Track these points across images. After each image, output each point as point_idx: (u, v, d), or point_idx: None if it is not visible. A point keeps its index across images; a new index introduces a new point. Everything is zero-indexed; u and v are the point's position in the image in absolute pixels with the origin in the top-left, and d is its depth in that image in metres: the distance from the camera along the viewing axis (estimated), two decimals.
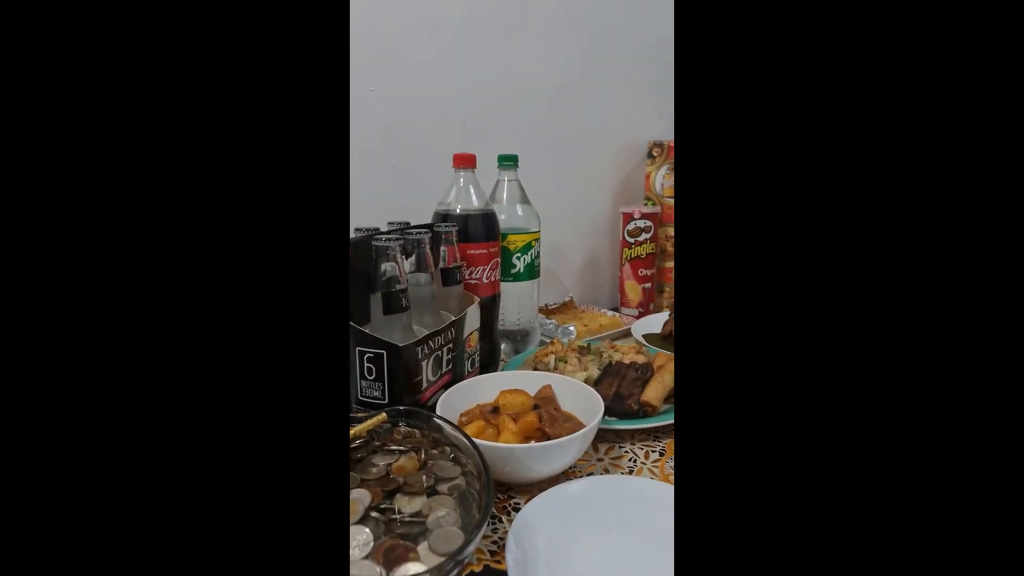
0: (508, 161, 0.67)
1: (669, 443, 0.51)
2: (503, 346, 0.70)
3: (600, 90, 0.91)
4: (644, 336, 0.76)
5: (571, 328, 0.77)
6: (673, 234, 0.90)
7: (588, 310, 0.89)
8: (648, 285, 0.87)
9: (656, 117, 0.98)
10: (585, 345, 0.65)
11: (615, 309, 0.91)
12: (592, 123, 0.92)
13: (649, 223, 0.84)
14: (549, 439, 0.42)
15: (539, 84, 0.85)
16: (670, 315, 0.75)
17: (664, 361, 0.60)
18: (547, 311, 0.85)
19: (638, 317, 0.86)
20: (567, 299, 0.88)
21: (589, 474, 0.46)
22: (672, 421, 0.52)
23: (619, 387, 0.56)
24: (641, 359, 0.61)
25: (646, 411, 0.53)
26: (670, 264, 0.91)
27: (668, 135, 1.00)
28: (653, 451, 0.50)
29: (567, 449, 0.40)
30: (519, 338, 0.71)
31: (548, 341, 0.67)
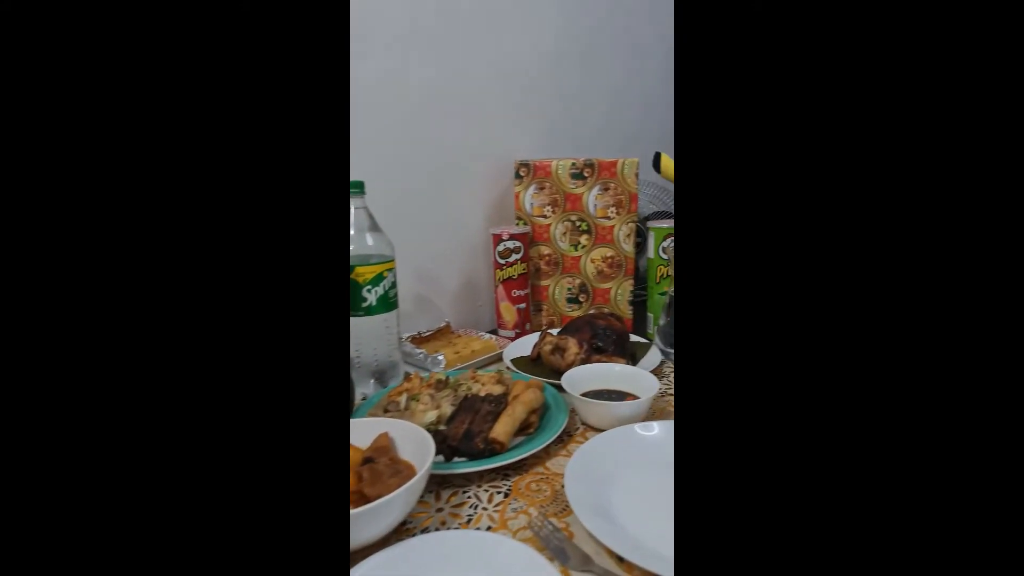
0: (353, 188, 0.63)
1: (517, 480, 0.49)
2: (371, 382, 0.66)
3: (466, 110, 0.90)
4: (514, 360, 0.74)
5: (440, 357, 0.74)
6: (546, 252, 0.90)
7: (465, 334, 0.86)
8: (523, 306, 0.86)
9: (522, 136, 0.98)
10: (443, 378, 0.62)
11: (494, 332, 0.89)
12: (460, 144, 0.90)
13: (518, 243, 0.84)
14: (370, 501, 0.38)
15: (396, 106, 0.82)
16: (540, 335, 0.74)
17: (520, 390, 0.58)
18: (420, 339, 0.82)
19: (514, 339, 0.85)
20: (442, 325, 0.85)
21: (424, 529, 0.42)
22: (522, 456, 0.50)
23: (471, 423, 0.53)
24: (498, 390, 0.58)
25: (494, 449, 0.50)
26: (545, 283, 0.91)
27: (534, 154, 1.00)
28: (498, 492, 0.47)
29: (383, 513, 0.37)
30: (379, 375, 0.67)
31: (410, 374, 0.63)
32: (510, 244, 0.83)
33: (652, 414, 0.61)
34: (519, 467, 0.51)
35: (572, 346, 0.70)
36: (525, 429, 0.56)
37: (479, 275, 0.96)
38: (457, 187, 0.91)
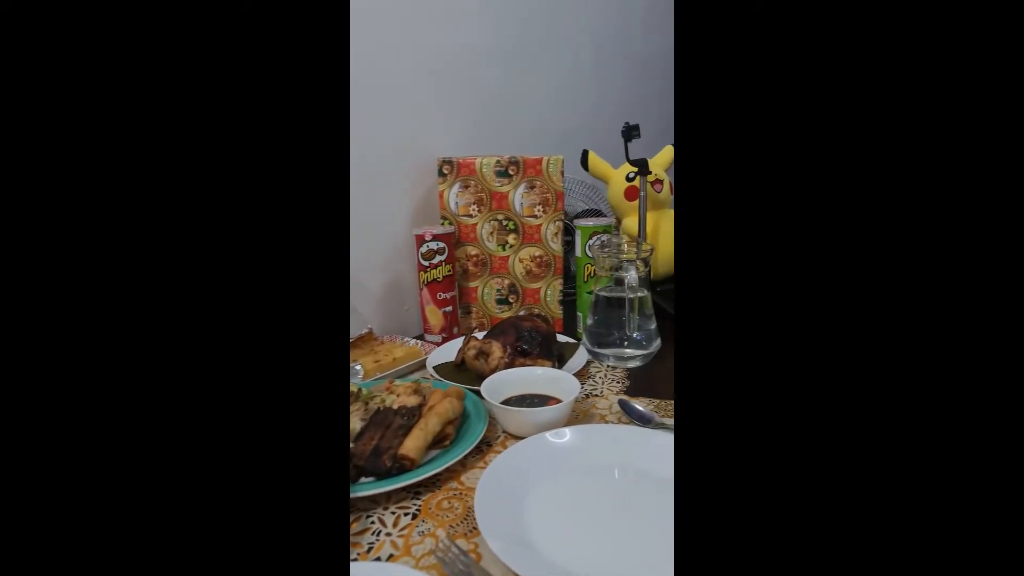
0: None
1: (428, 499, 0.46)
2: None
3: (387, 106, 0.86)
4: (437, 367, 0.71)
5: (358, 367, 0.70)
6: (473, 253, 0.87)
7: (389, 341, 0.82)
8: (449, 309, 0.83)
9: (444, 134, 0.95)
10: (355, 390, 0.58)
11: (421, 337, 0.85)
12: (381, 141, 0.85)
13: (442, 244, 0.80)
14: None
15: None
16: (465, 340, 0.72)
17: (437, 400, 0.55)
18: None
19: (441, 343, 0.82)
20: (364, 331, 0.80)
21: None
22: (433, 472, 0.47)
23: (380, 439, 0.50)
24: (413, 401, 0.55)
25: (404, 466, 0.47)
26: (474, 284, 0.88)
27: (457, 152, 0.97)
28: (407, 514, 0.44)
29: None
30: None
31: None
32: (434, 245, 0.80)
33: (575, 417, 0.60)
34: (432, 484, 0.48)
35: (496, 350, 0.68)
36: (441, 442, 0.53)
37: (404, 278, 0.92)
38: (379, 186, 0.87)
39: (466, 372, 0.70)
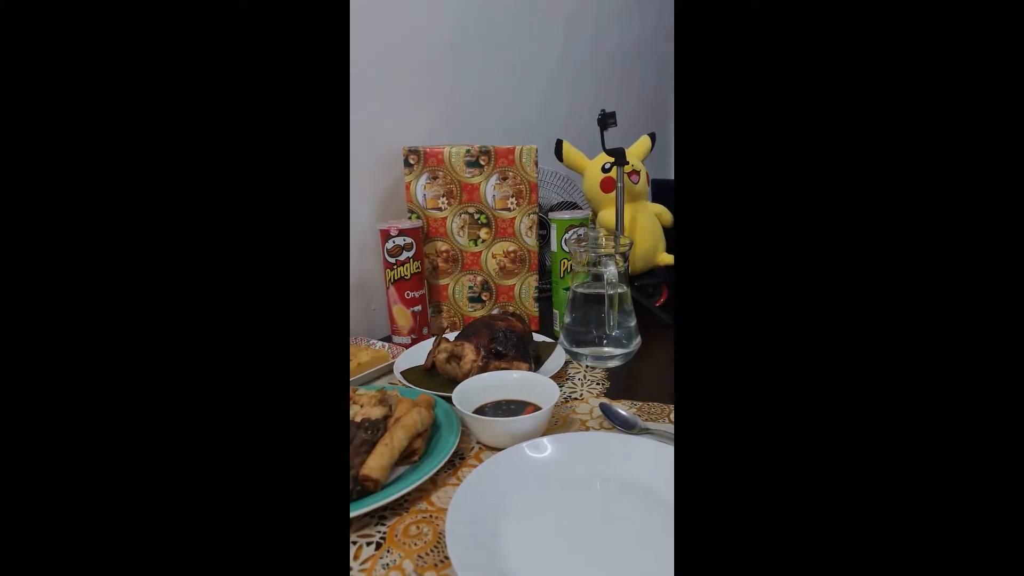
0: None
1: (395, 524, 0.41)
2: None
3: (351, 93, 0.80)
4: (405, 372, 0.66)
5: None
6: (443, 248, 0.82)
7: (354, 343, 0.77)
8: (418, 308, 0.78)
9: (409, 123, 0.90)
10: None
11: (388, 339, 0.80)
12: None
13: (409, 239, 0.75)
14: None
15: None
16: (435, 342, 0.67)
17: (404, 410, 0.50)
18: None
19: (409, 345, 0.77)
20: None
21: None
22: (399, 494, 0.42)
23: None
24: (377, 412, 0.50)
25: (366, 488, 0.42)
26: (444, 281, 0.83)
27: (424, 141, 0.92)
28: (369, 543, 0.40)
29: None
30: None
31: None
32: (400, 240, 0.75)
33: (554, 424, 0.56)
34: (399, 506, 0.44)
35: (469, 353, 0.63)
36: (409, 457, 0.48)
37: (371, 276, 0.86)
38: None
39: (437, 377, 0.66)
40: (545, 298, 0.92)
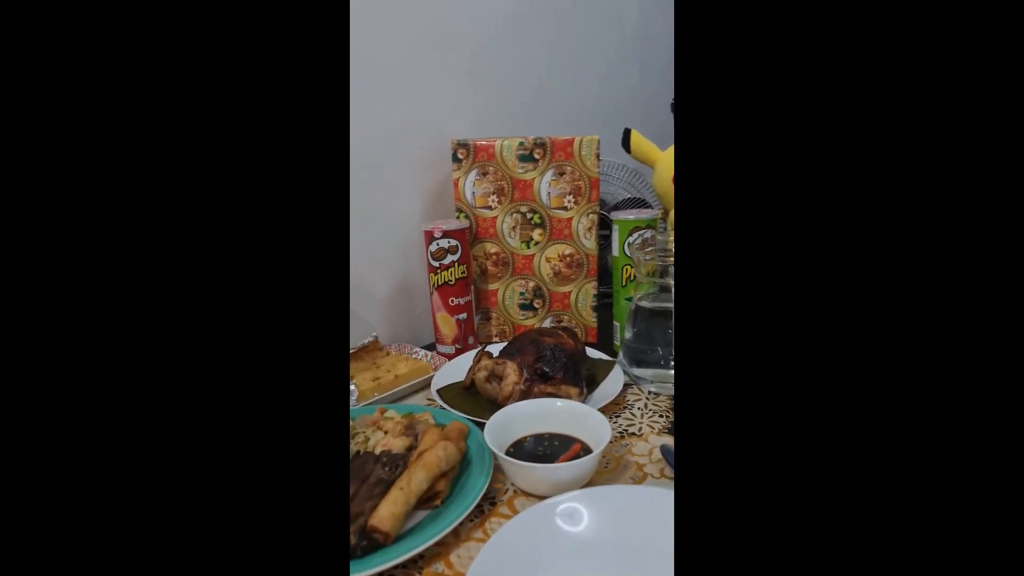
0: None
1: None
2: None
3: (396, 82, 0.74)
4: (442, 390, 0.60)
5: (352, 388, 0.60)
6: (492, 251, 0.75)
7: (396, 352, 0.72)
8: (463, 316, 0.72)
9: (459, 113, 0.83)
10: None
11: (433, 347, 0.75)
12: (388, 122, 0.75)
13: (455, 242, 0.69)
14: None
15: None
16: (476, 356, 0.60)
17: (430, 443, 0.44)
18: None
19: (454, 356, 0.71)
20: (368, 340, 0.71)
21: None
22: (412, 553, 0.36)
23: (352, 500, 0.39)
24: (400, 444, 0.45)
25: (375, 540, 0.37)
26: (494, 286, 0.77)
27: (474, 133, 0.85)
28: None
29: None
30: None
31: None
32: (444, 243, 0.69)
33: (605, 466, 0.47)
34: (412, 565, 0.37)
35: (511, 373, 0.56)
36: (430, 500, 0.42)
37: (416, 279, 0.81)
38: (385, 174, 0.76)
39: (477, 397, 0.59)
40: (606, 304, 0.83)
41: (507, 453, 0.46)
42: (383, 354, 0.71)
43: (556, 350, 0.58)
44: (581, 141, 0.70)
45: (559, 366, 0.56)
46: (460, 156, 0.73)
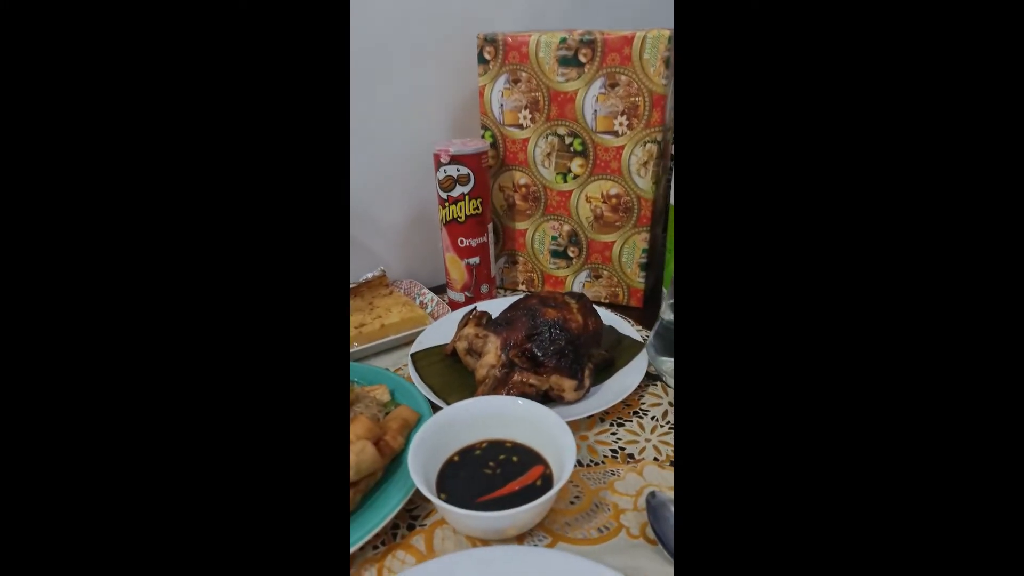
0: None
1: None
2: None
3: None
4: (418, 355, 0.51)
5: None
6: (522, 182, 0.61)
7: (407, 291, 0.64)
8: (475, 260, 0.60)
9: (497, 3, 0.64)
10: None
11: (442, 289, 0.65)
12: (404, 11, 0.60)
13: (465, 170, 0.55)
14: None
15: None
16: (463, 319, 0.49)
17: (352, 439, 0.36)
18: None
19: (464, 303, 0.61)
20: (373, 274, 0.63)
21: None
22: None
23: None
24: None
25: None
26: (522, 225, 0.63)
27: (507, 26, 0.66)
28: None
29: None
30: None
31: None
32: (452, 171, 0.56)
33: (570, 502, 0.36)
34: None
35: (490, 350, 0.45)
36: None
37: (434, 205, 0.70)
38: (400, 77, 0.62)
39: (459, 367, 0.49)
40: (659, 264, 0.66)
41: (451, 462, 0.37)
42: (386, 292, 0.63)
43: (555, 328, 0.45)
44: (644, 38, 0.50)
45: (552, 351, 0.44)
46: (487, 56, 0.56)
